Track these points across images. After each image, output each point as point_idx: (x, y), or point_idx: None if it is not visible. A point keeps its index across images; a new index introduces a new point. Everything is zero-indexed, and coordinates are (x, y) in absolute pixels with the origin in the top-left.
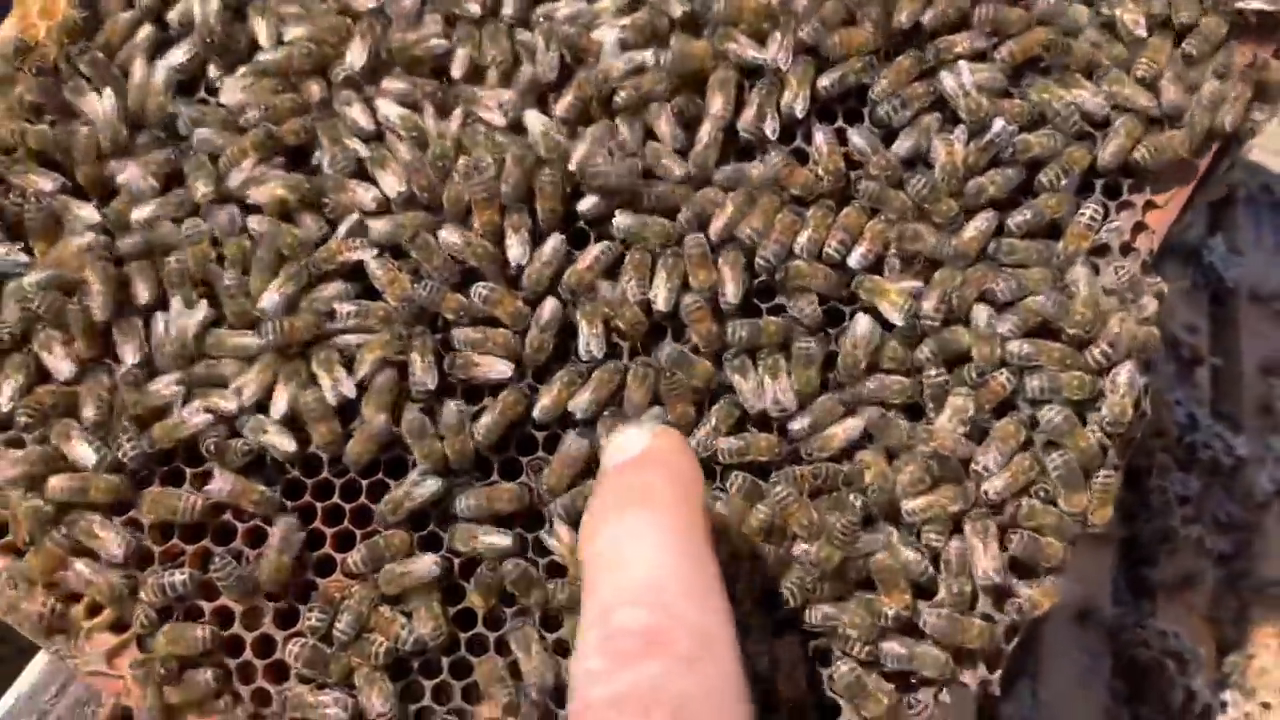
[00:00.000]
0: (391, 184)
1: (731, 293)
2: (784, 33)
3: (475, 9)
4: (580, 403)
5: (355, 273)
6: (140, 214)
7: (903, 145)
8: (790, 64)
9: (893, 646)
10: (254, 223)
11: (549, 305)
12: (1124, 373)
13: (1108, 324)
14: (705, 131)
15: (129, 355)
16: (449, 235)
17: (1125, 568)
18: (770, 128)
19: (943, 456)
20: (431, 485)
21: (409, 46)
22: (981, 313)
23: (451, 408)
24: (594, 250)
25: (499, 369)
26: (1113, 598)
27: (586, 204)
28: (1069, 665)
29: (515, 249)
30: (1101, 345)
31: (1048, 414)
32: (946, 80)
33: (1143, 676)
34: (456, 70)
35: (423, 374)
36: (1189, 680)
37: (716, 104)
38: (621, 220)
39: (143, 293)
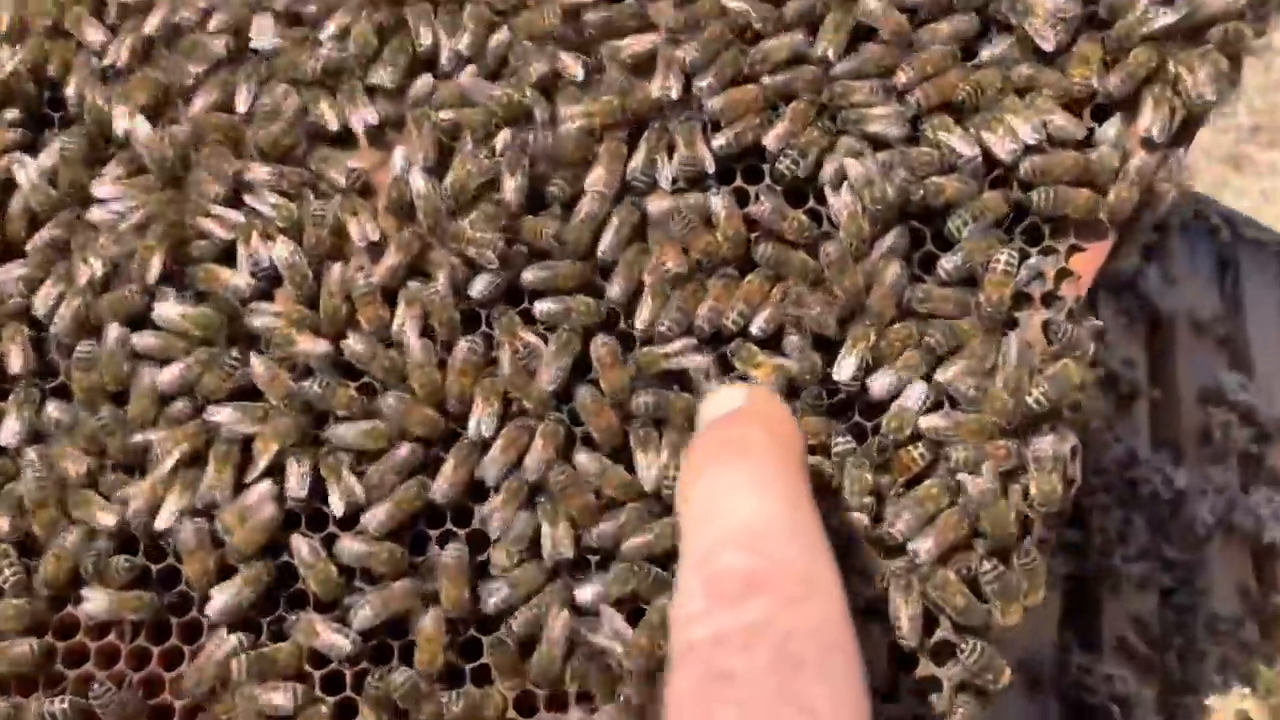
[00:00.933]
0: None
1: (644, 317)
2: (669, 64)
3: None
4: (489, 467)
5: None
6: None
7: (827, 171)
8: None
9: None
10: (141, 340)
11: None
12: (1047, 443)
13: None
14: (585, 204)
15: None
16: (354, 344)
17: (1068, 612)
18: (664, 175)
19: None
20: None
21: (278, 136)
22: (913, 389)
23: (345, 543)
24: (460, 351)
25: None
26: (1057, 643)
27: (476, 288)
28: (1015, 714)
29: (413, 346)
30: (1035, 393)
31: (969, 485)
32: (851, 168)
33: None
34: (332, 124)
35: (297, 483)
36: None
37: (598, 176)
38: (543, 306)
39: None
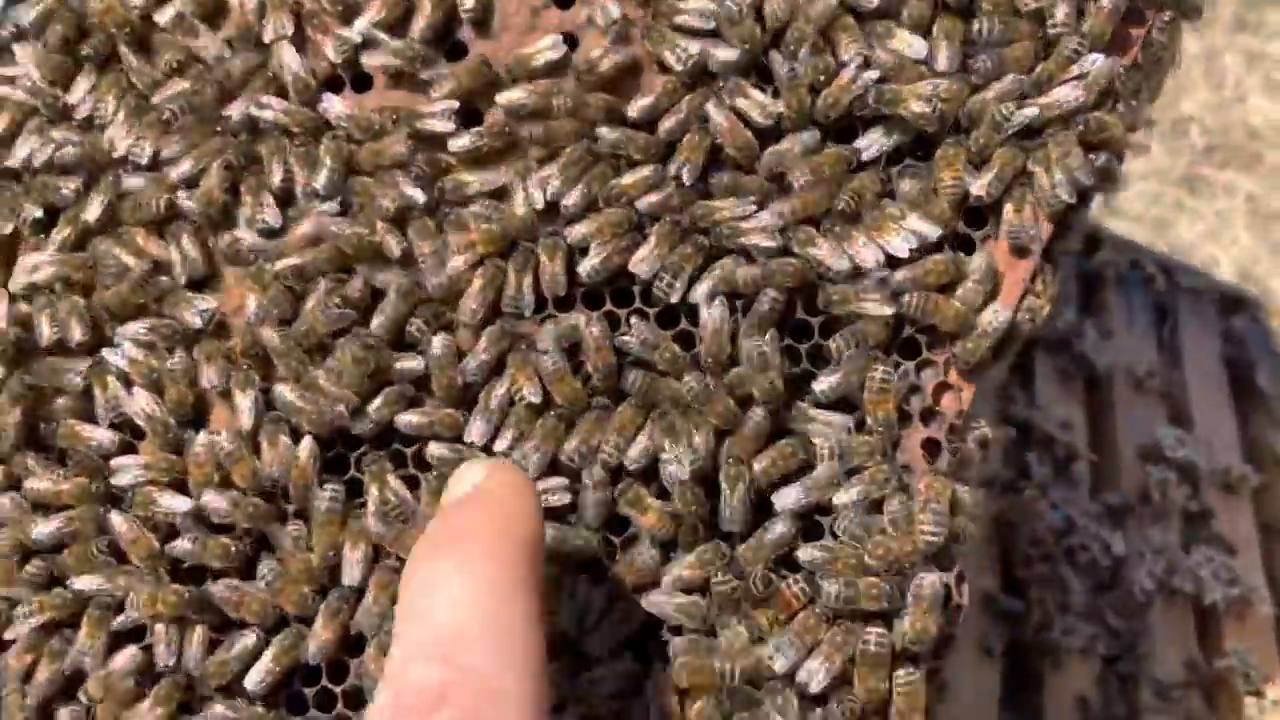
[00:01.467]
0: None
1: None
2: (524, 177)
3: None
4: (363, 617)
5: None
6: None
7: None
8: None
9: None
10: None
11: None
12: (927, 582)
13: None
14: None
15: None
16: (214, 501)
17: (1009, 689)
18: (527, 300)
19: (731, 689)
20: None
21: (126, 296)
22: (778, 523)
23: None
24: (321, 503)
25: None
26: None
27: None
28: None
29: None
30: (923, 538)
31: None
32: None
33: None
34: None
35: (164, 650)
36: None
37: (467, 305)
38: (437, 451)
39: None
